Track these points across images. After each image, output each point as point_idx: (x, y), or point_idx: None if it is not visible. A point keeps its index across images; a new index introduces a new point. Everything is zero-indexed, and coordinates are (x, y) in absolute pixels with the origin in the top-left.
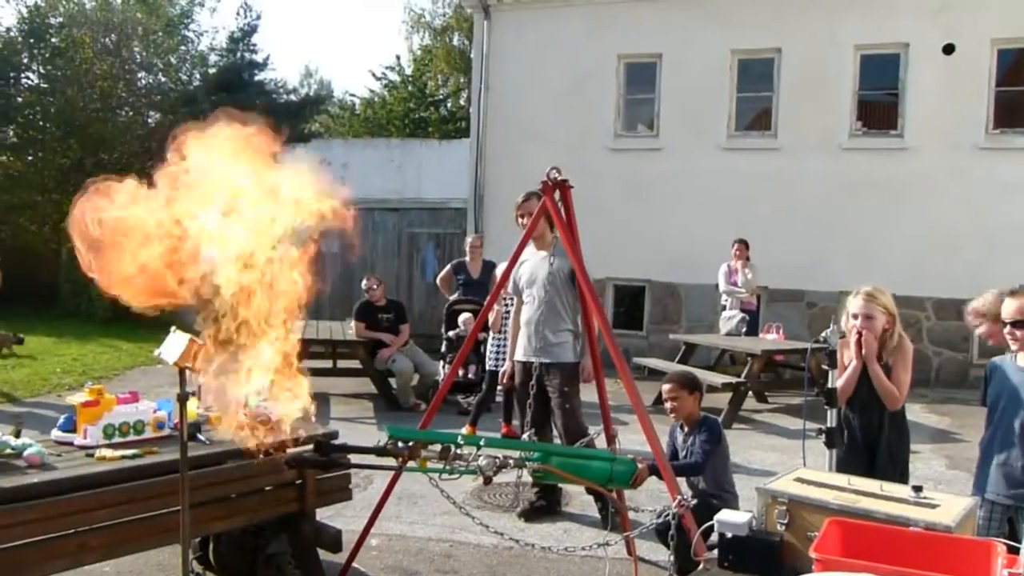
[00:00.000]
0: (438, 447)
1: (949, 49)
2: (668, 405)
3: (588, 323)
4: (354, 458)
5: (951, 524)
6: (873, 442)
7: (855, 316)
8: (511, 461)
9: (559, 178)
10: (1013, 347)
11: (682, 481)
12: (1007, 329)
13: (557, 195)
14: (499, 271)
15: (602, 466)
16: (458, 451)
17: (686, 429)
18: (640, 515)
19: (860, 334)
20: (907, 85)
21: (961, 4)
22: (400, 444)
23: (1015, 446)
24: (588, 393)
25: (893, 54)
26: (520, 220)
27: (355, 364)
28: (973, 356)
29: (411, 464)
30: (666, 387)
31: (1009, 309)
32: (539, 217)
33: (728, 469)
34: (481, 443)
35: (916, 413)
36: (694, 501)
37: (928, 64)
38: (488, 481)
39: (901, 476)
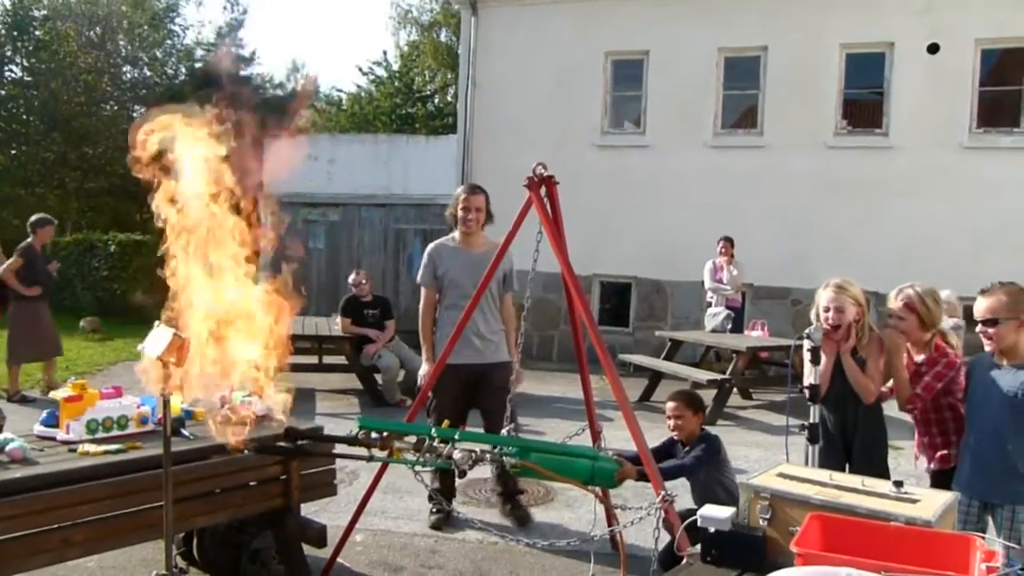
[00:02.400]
0: (413, 439)
1: (933, 49)
2: (671, 423)
3: (573, 321)
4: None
5: (931, 519)
6: (849, 438)
7: (826, 309)
8: (487, 455)
9: (545, 174)
10: (987, 346)
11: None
12: (978, 328)
13: (543, 191)
14: None
15: (583, 464)
16: (434, 444)
17: (686, 447)
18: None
19: (830, 327)
20: (892, 84)
21: (945, 4)
22: (373, 435)
23: (989, 442)
24: (574, 389)
25: (878, 53)
26: (464, 214)
27: (341, 360)
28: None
29: (384, 455)
30: (670, 405)
31: (980, 308)
32: (526, 212)
33: (732, 475)
34: (456, 436)
35: (897, 409)
36: (676, 496)
37: (913, 63)
38: (463, 475)
39: (878, 473)
